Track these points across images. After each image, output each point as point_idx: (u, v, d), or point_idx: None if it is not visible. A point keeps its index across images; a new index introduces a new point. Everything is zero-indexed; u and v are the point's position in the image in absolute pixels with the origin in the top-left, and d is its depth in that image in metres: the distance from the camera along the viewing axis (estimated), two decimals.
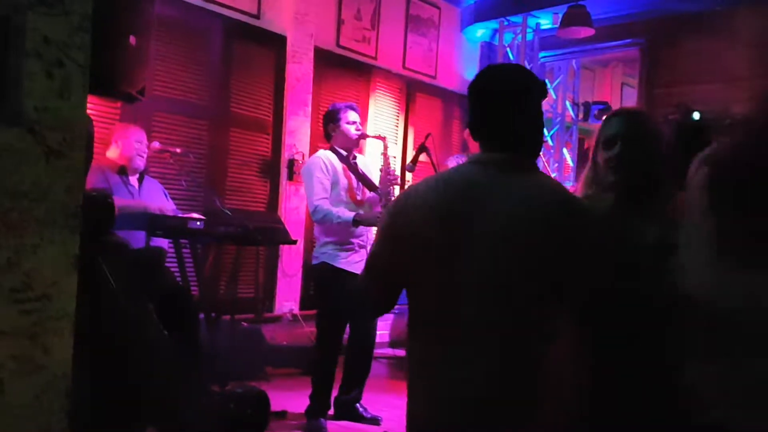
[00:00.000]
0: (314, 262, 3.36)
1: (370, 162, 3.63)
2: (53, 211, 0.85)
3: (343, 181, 3.31)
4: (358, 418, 3.34)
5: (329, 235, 3.28)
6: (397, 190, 3.47)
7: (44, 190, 0.84)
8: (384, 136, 3.55)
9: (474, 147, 1.58)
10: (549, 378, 1.37)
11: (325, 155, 3.34)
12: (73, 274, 0.88)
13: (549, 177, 1.56)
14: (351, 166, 3.36)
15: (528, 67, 5.88)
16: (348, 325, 3.38)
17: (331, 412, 3.36)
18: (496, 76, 1.48)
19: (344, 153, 3.36)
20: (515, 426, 1.34)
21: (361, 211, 3.28)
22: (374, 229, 3.42)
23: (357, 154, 3.47)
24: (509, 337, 1.36)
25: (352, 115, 3.37)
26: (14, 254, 0.81)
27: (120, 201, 2.97)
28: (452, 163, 3.99)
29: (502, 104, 1.44)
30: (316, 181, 3.25)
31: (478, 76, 1.48)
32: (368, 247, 3.35)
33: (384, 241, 1.48)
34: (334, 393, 3.37)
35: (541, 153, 1.60)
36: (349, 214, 3.18)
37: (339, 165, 3.32)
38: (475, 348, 1.36)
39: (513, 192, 1.37)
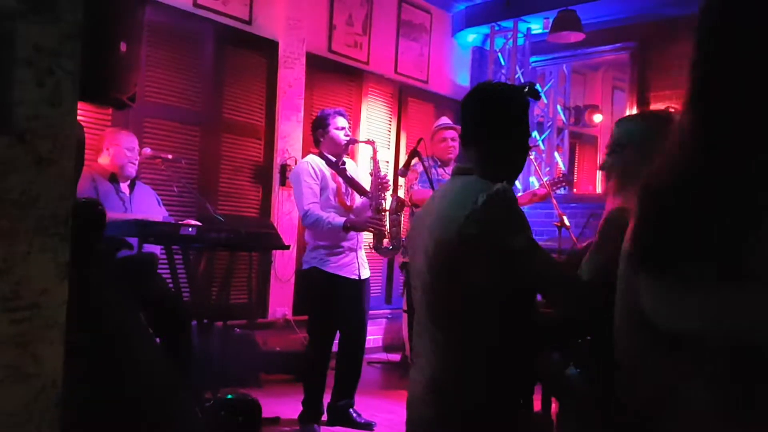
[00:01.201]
0: (305, 266, 3.35)
1: (358, 167, 3.64)
2: (43, 219, 0.84)
3: (332, 186, 3.31)
4: (352, 423, 3.34)
5: (319, 239, 3.28)
6: (388, 195, 3.47)
7: (34, 198, 0.83)
8: (373, 140, 3.56)
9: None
10: (469, 382, 1.48)
11: (313, 160, 3.34)
12: (64, 282, 0.87)
13: (474, 179, 1.57)
14: (340, 171, 3.36)
15: (519, 71, 5.93)
16: (339, 330, 3.38)
17: (324, 417, 3.35)
18: (474, 94, 1.67)
19: (333, 159, 3.36)
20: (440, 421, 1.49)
21: (352, 216, 3.29)
22: (364, 233, 3.43)
23: (345, 160, 3.47)
24: (432, 335, 1.53)
25: (341, 121, 3.37)
26: (4, 262, 0.81)
27: (109, 214, 2.95)
28: (420, 167, 4.02)
29: (470, 121, 1.64)
30: (305, 186, 3.25)
31: (475, 90, 1.67)
32: (358, 250, 3.36)
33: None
34: (328, 399, 3.37)
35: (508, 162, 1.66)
36: (340, 220, 3.19)
37: (327, 170, 3.32)
38: (417, 346, 1.58)
39: (442, 200, 1.57)
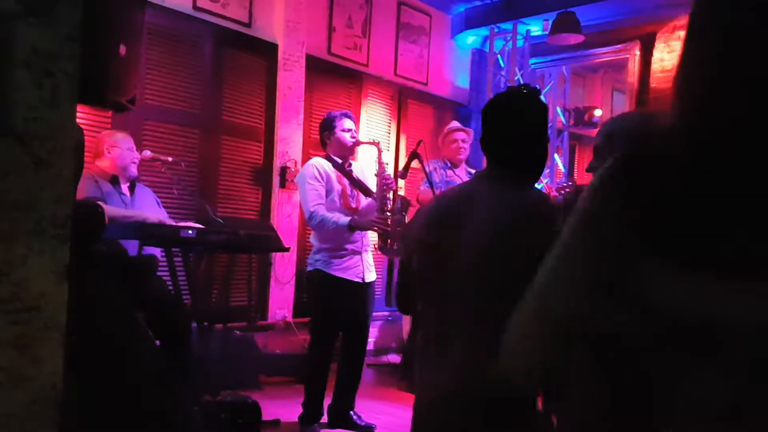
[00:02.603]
0: (308, 269, 3.35)
1: (365, 168, 3.64)
2: (42, 221, 0.84)
3: (338, 188, 3.31)
4: (352, 425, 3.33)
5: (324, 241, 3.28)
6: (392, 195, 3.47)
7: (33, 200, 0.83)
8: (378, 141, 3.56)
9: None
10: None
11: (318, 162, 3.34)
12: (63, 284, 0.87)
13: (536, 190, 1.65)
14: (346, 173, 3.36)
15: (519, 73, 5.93)
16: (341, 333, 3.38)
17: (324, 419, 3.34)
18: (501, 102, 1.66)
19: (339, 161, 3.36)
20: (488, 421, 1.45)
21: (356, 216, 3.29)
22: (369, 235, 3.43)
23: (352, 162, 3.48)
24: (484, 340, 1.44)
25: (348, 123, 3.38)
26: (3, 265, 0.81)
27: (113, 210, 2.96)
28: (429, 168, 4.04)
29: (502, 127, 1.63)
30: (310, 189, 3.24)
31: (489, 101, 1.68)
32: (363, 253, 3.35)
33: (404, 244, 1.77)
34: (328, 401, 3.36)
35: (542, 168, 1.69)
36: (345, 219, 3.19)
37: (333, 172, 3.32)
38: (457, 347, 1.51)
39: (499, 202, 1.55)
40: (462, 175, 4.35)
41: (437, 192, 4.00)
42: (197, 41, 4.36)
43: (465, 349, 1.49)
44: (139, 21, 1.65)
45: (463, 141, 4.34)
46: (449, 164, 4.28)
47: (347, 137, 3.36)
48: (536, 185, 1.76)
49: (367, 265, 3.36)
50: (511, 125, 1.62)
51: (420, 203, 4.04)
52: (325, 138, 3.42)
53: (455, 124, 4.58)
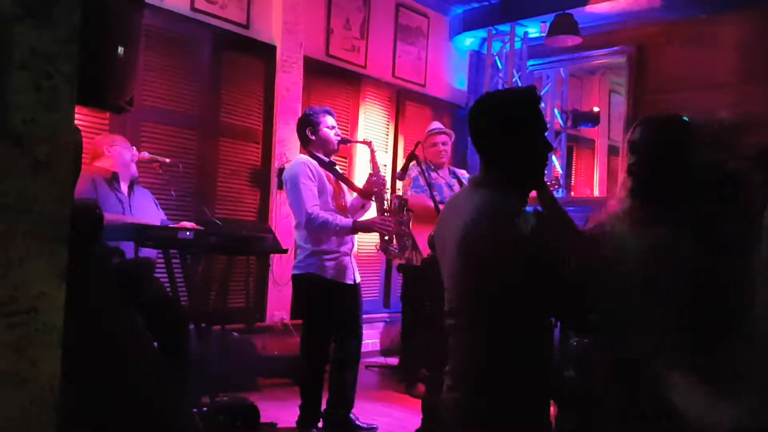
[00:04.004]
0: (298, 272, 3.24)
1: (346, 166, 3.62)
2: (40, 224, 0.84)
3: (329, 188, 3.24)
4: (352, 428, 3.31)
5: (316, 244, 3.19)
6: (388, 195, 3.46)
7: (31, 202, 0.83)
8: (370, 140, 3.53)
9: None
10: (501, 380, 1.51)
11: (309, 161, 3.24)
12: (61, 286, 0.87)
13: (491, 192, 1.59)
14: (335, 171, 3.33)
15: (516, 75, 5.94)
16: (335, 336, 3.34)
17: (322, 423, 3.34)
18: (484, 104, 1.65)
19: (326, 159, 3.30)
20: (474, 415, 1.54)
21: (350, 215, 3.27)
22: (361, 236, 3.41)
23: (332, 160, 3.43)
24: (464, 338, 1.59)
25: (330, 120, 3.30)
26: (0, 267, 0.81)
27: (107, 216, 2.96)
28: (415, 172, 4.05)
29: (481, 131, 1.63)
30: (305, 189, 3.14)
31: (474, 103, 1.68)
32: (351, 254, 3.33)
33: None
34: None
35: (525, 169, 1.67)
36: (347, 221, 3.14)
37: (322, 171, 3.25)
38: (450, 343, 1.62)
39: (461, 206, 1.63)
40: (446, 176, 4.35)
41: (421, 196, 4.01)
42: (195, 43, 4.36)
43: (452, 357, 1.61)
44: (137, 22, 1.65)
45: (444, 144, 4.35)
46: (432, 166, 4.28)
47: (332, 135, 3.28)
48: (524, 189, 1.72)
49: (355, 266, 3.35)
50: (493, 127, 1.58)
51: (408, 208, 4.03)
52: (308, 134, 3.28)
53: (436, 125, 4.55)
